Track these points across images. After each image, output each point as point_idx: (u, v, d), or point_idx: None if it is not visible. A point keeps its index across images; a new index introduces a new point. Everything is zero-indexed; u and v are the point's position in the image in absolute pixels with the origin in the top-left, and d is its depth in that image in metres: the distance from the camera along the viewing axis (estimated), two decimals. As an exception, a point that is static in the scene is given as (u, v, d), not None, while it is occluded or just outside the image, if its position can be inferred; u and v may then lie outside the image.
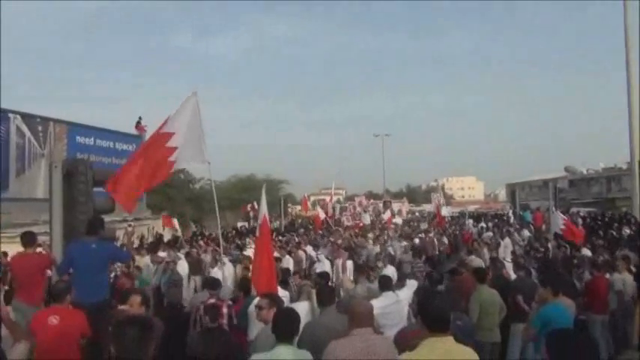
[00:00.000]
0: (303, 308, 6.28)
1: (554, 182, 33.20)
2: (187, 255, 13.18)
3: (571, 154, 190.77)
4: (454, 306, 5.58)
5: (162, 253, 12.31)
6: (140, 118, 26.28)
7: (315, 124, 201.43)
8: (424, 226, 27.41)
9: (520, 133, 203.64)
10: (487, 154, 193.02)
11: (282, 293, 7.10)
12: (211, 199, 8.87)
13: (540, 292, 6.19)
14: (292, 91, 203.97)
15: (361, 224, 29.53)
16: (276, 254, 12.86)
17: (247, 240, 18.70)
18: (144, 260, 12.30)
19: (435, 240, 19.32)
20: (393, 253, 14.94)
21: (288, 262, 12.55)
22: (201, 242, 18.14)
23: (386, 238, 19.52)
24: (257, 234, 7.73)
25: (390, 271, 9.67)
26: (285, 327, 3.99)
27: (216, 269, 10.93)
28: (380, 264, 10.50)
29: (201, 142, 7.63)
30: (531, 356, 6.62)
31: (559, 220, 13.54)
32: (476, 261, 8.88)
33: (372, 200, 52.56)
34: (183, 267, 11.36)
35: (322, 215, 27.98)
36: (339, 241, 16.98)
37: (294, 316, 4.18)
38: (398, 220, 30.08)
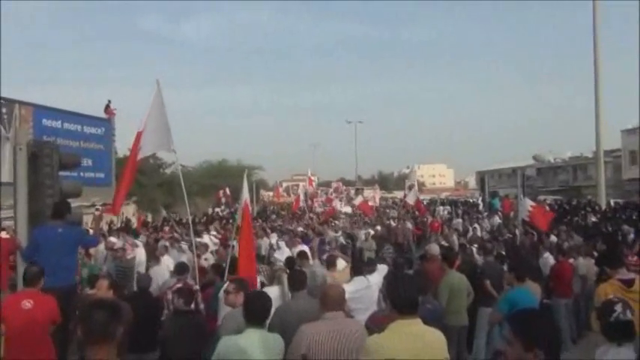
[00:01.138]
0: (273, 293, 6.29)
1: (523, 170, 33.86)
2: (147, 243, 12.88)
3: (539, 143, 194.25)
4: (423, 290, 5.66)
5: (113, 239, 11.92)
6: (109, 101, 25.73)
7: (287, 110, 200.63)
8: (394, 213, 27.59)
9: (490, 121, 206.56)
10: (458, 142, 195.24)
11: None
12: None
13: (507, 277, 6.35)
14: (265, 76, 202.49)
15: (332, 211, 29.62)
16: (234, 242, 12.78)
17: (211, 227, 18.53)
18: (100, 247, 11.89)
19: (409, 226, 19.50)
20: (344, 241, 14.85)
21: None
22: (166, 228, 17.84)
23: (341, 226, 19.45)
24: (239, 220, 7.82)
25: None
26: (255, 310, 4.00)
27: (166, 257, 10.70)
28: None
29: (167, 130, 7.52)
30: (497, 339, 6.77)
31: (526, 207, 13.80)
32: (433, 248, 9.09)
33: (344, 187, 52.70)
34: (140, 254, 11.02)
35: (302, 195, 27.94)
36: (299, 229, 17.02)
37: (265, 299, 4.18)
38: (347, 208, 30.00)
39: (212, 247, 12.73)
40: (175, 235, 14.21)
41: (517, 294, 5.85)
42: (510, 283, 6.15)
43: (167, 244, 12.58)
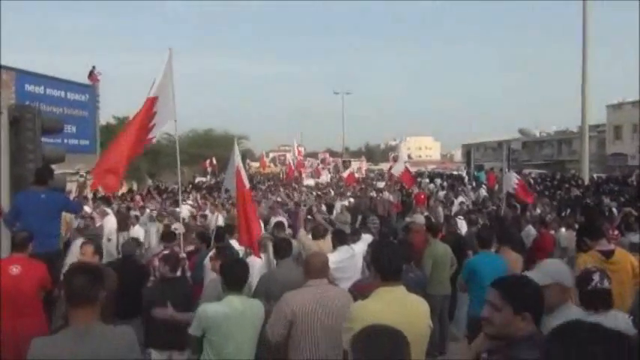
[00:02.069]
0: (258, 260, 6.33)
1: (508, 144, 33.98)
2: (118, 211, 12.69)
3: (526, 117, 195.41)
4: (407, 258, 5.71)
5: (86, 207, 11.76)
6: (93, 67, 25.21)
7: (275, 80, 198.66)
8: (381, 184, 27.47)
9: (477, 95, 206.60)
10: (445, 115, 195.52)
11: (239, 246, 7.10)
12: (168, 152, 8.58)
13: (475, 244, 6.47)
14: (253, 46, 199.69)
15: (319, 181, 29.58)
16: (207, 212, 12.70)
17: (189, 196, 18.42)
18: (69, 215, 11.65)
19: (391, 198, 19.46)
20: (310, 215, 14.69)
21: (218, 220, 12.37)
22: (137, 197, 17.59)
23: (304, 198, 19.22)
24: (233, 190, 7.50)
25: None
26: (232, 277, 4.01)
27: (137, 227, 10.55)
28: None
29: (173, 100, 7.22)
30: (475, 307, 6.86)
31: (512, 180, 13.93)
32: (418, 218, 9.16)
33: (332, 158, 52.60)
34: (111, 222, 10.82)
35: (293, 165, 27.77)
36: (279, 199, 17.00)
37: (240, 265, 4.21)
38: (310, 181, 29.63)
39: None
40: (148, 204, 14.10)
41: (476, 259, 5.98)
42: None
43: (138, 213, 12.48)
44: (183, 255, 6.91)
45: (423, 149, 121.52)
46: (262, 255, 6.48)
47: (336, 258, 6.14)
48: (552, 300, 2.92)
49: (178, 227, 9.55)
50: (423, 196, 19.79)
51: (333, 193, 22.12)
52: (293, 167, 27.59)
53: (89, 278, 2.63)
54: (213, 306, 3.91)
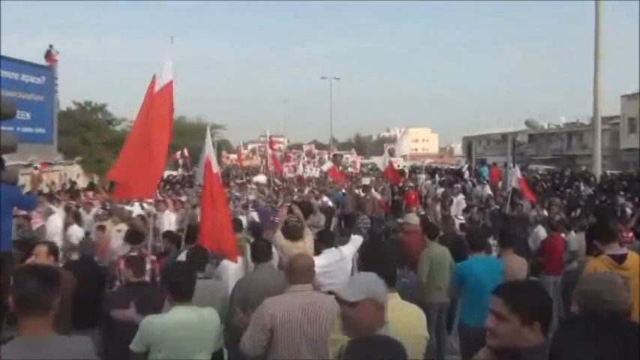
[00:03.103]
0: (235, 264, 6.29)
1: (514, 136, 34.14)
2: (67, 209, 12.48)
3: (532, 108, 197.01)
4: (400, 261, 5.71)
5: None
6: (51, 46, 24.97)
7: (256, 64, 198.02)
8: (367, 180, 27.28)
9: (480, 82, 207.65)
10: (444, 104, 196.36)
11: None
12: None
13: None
14: (234, 28, 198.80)
15: (304, 177, 29.52)
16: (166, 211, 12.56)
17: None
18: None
19: (378, 196, 19.38)
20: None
21: (169, 218, 12.29)
22: (90, 193, 17.37)
23: (253, 197, 19.14)
24: (200, 181, 7.26)
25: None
26: (175, 286, 3.94)
27: (75, 227, 10.40)
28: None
29: None
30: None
31: (516, 177, 14.06)
32: (412, 218, 9.15)
33: (317, 151, 52.52)
34: (55, 221, 10.64)
35: (279, 159, 27.75)
36: (251, 197, 17.04)
37: (184, 271, 4.14)
38: (261, 178, 29.32)
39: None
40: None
41: (467, 263, 6.01)
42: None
43: (81, 211, 12.27)
44: (153, 258, 6.84)
45: (420, 141, 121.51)
46: (240, 258, 6.43)
47: (322, 262, 6.08)
48: (365, 319, 2.69)
49: (121, 228, 9.37)
50: (413, 196, 19.71)
51: (306, 190, 21.94)
52: (280, 161, 27.45)
53: (42, 282, 2.57)
54: (158, 318, 3.82)
